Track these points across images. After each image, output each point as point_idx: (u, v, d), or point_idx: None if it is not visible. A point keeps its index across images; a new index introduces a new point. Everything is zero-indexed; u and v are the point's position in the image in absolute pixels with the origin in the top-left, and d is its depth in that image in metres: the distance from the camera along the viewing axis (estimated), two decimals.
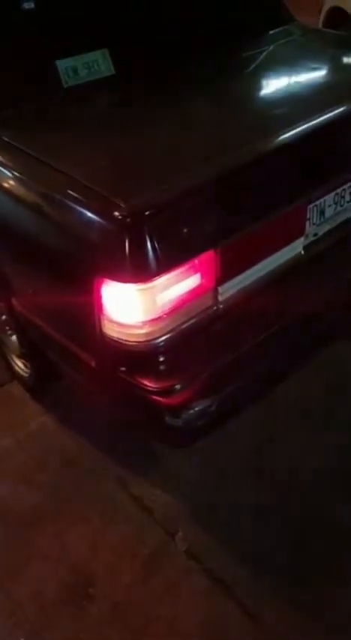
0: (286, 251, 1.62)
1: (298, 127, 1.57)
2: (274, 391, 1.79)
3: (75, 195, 1.40)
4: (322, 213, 1.68)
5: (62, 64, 1.83)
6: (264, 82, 2.07)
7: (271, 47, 2.24)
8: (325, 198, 1.67)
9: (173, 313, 1.42)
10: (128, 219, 1.28)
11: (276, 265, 1.60)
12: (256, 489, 1.82)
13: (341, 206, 1.75)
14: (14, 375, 2.31)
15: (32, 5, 1.82)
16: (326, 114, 1.61)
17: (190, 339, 1.47)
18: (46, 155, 1.55)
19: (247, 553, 1.66)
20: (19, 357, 2.23)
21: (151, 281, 1.33)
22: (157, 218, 1.30)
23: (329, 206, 1.70)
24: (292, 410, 2.06)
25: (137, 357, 1.45)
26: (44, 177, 1.51)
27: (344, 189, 1.73)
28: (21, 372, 2.26)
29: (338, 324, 1.83)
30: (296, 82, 1.97)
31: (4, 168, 1.63)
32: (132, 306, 1.38)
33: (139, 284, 1.33)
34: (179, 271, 1.37)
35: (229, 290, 1.50)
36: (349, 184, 1.73)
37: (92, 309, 1.42)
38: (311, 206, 1.63)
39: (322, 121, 1.59)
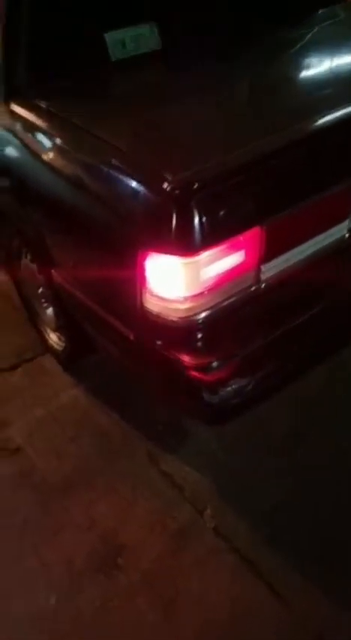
0: (330, 233, 1.60)
1: (346, 107, 1.53)
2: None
3: (123, 167, 1.40)
4: None
5: (110, 37, 1.83)
6: (312, 62, 2.03)
7: (320, 26, 2.20)
8: None
9: (215, 290, 1.41)
10: (177, 192, 1.28)
11: (320, 247, 1.58)
12: (287, 473, 1.82)
13: None
14: (47, 348, 2.34)
15: None
16: None
17: (231, 317, 1.46)
18: (93, 127, 1.55)
19: (275, 535, 1.66)
20: (54, 330, 2.26)
21: (197, 255, 1.32)
22: (205, 192, 1.29)
23: None
24: (326, 392, 2.05)
25: (177, 333, 1.45)
26: (91, 149, 1.51)
27: None
28: (54, 346, 2.28)
29: None
30: (345, 63, 1.93)
31: (52, 139, 1.64)
32: (175, 281, 1.37)
33: (184, 258, 1.32)
34: (224, 247, 1.36)
35: (271, 269, 1.49)
36: None
37: (134, 283, 1.42)
38: None
39: None
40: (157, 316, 1.44)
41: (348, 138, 1.55)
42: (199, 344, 1.45)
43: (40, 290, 2.20)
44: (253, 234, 1.39)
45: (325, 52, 2.04)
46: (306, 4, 2.30)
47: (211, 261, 1.36)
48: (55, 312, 2.15)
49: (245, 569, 1.59)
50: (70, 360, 2.25)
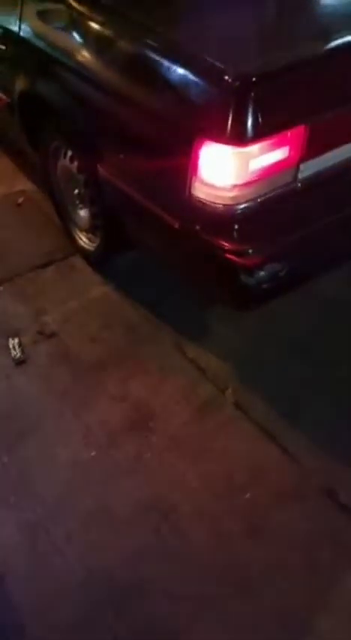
0: None
1: None
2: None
3: (184, 59, 1.52)
4: None
5: None
6: None
7: None
8: None
9: (259, 181, 1.58)
10: (237, 84, 1.42)
11: None
12: (304, 364, 2.03)
13: None
14: (77, 248, 2.49)
15: None
16: None
17: (269, 209, 1.63)
18: (151, 21, 1.67)
19: (291, 411, 1.89)
20: (86, 231, 2.41)
21: (249, 145, 1.48)
22: (262, 86, 1.43)
23: None
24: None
25: (221, 219, 1.61)
26: (149, 41, 1.62)
27: None
28: (85, 246, 2.44)
29: None
30: None
31: (109, 33, 1.75)
32: (226, 169, 1.53)
33: (237, 147, 1.48)
34: (272, 141, 1.52)
35: (308, 169, 1.65)
36: None
37: (186, 171, 1.57)
38: None
39: None
40: (204, 203, 1.60)
41: None
42: (240, 231, 1.62)
43: (76, 191, 2.33)
44: (299, 132, 1.55)
45: None
46: None
47: (260, 153, 1.52)
48: (91, 213, 2.30)
49: (262, 435, 1.82)
50: (101, 261, 2.42)
